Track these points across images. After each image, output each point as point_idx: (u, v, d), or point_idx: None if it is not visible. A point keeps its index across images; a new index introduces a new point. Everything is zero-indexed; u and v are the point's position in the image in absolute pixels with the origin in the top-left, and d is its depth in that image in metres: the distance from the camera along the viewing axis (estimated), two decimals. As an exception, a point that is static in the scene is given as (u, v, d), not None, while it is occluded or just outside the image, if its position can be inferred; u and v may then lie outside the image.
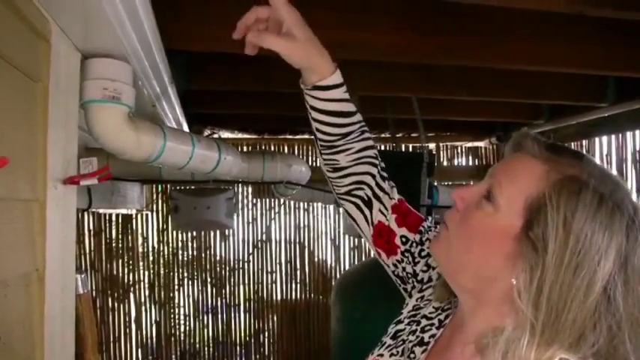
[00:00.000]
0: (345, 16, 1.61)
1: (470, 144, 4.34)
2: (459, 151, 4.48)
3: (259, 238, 4.44)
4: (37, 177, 0.95)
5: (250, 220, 4.43)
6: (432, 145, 4.21)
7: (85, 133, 1.29)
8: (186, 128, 2.35)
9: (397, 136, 3.43)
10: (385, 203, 0.97)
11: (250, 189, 4.35)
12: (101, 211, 3.75)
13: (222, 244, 4.41)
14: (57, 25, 0.98)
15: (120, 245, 4.22)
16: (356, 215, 1.00)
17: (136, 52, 1.19)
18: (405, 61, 2.08)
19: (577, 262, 0.62)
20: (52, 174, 1.00)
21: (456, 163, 4.50)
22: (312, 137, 1.00)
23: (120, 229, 4.22)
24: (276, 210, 4.44)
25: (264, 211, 4.44)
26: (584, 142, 3.56)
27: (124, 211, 3.79)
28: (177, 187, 3.64)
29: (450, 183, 4.08)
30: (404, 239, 0.95)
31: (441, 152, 4.45)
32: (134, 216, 4.18)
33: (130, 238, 4.23)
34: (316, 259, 4.51)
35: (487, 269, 0.71)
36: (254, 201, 4.42)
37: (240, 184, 4.09)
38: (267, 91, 2.57)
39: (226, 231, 4.30)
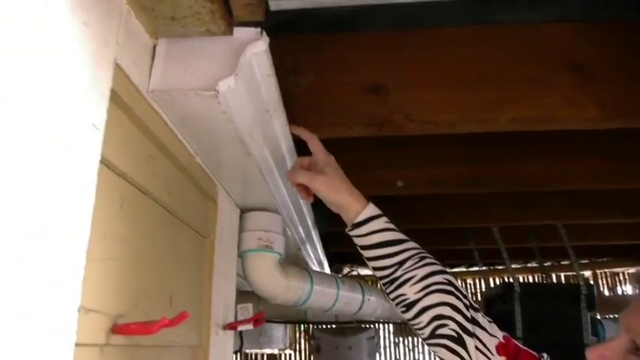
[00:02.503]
0: (478, 150, 1.65)
1: (633, 269, 3.89)
2: (621, 278, 4.03)
3: (403, 379, 4.21)
4: (203, 324, 1.04)
5: (393, 361, 4.26)
6: (587, 274, 3.85)
7: (240, 279, 1.41)
8: (327, 267, 2.43)
9: (545, 265, 3.20)
10: (484, 340, 0.84)
11: (392, 327, 4.23)
12: (248, 351, 3.87)
13: (365, 386, 4.24)
14: (222, 187, 1.13)
15: (265, 386, 4.25)
16: None
17: (285, 204, 1.32)
18: (545, 189, 2.02)
19: None
20: (215, 320, 1.09)
21: (619, 292, 4.03)
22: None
23: (266, 369, 4.28)
24: (420, 349, 4.23)
25: (407, 351, 4.25)
26: None
27: (268, 350, 3.87)
28: (319, 327, 3.67)
29: (615, 315, 3.62)
30: None
31: (600, 280, 4.03)
32: (278, 356, 4.24)
33: (275, 378, 4.26)
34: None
35: None
36: (396, 340, 4.28)
37: (381, 323, 4.01)
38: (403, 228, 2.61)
39: (369, 372, 4.15)
